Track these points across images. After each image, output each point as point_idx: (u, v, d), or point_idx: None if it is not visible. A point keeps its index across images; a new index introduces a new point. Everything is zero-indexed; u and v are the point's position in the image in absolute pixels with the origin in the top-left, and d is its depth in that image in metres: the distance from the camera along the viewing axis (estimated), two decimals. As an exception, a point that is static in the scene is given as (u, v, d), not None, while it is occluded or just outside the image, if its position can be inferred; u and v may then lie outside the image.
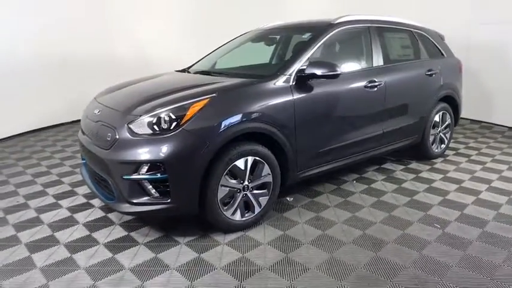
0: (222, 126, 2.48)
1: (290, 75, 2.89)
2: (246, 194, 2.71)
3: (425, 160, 4.28)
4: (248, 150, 2.63)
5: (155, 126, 2.41)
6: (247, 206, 2.76)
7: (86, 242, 2.63)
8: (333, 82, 3.11)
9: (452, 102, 4.37)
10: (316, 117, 3.02)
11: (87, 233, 2.76)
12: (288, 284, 2.15)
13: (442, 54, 4.32)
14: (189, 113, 2.42)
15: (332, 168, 3.29)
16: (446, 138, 4.42)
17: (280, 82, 2.85)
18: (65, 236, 2.73)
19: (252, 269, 2.30)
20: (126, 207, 2.46)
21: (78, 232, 2.77)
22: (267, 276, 2.23)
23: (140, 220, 2.92)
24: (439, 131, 4.29)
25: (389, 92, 3.54)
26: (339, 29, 3.33)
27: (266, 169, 2.77)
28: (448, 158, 4.41)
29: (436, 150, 4.32)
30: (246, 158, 2.63)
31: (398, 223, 2.85)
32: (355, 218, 2.93)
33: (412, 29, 4.04)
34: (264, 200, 2.82)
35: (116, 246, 2.58)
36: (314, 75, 2.87)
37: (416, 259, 2.38)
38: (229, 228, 2.69)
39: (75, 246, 2.58)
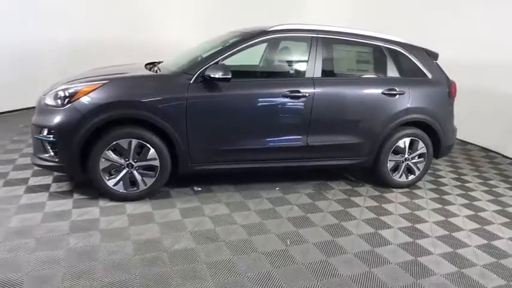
0: (102, 108, 2.95)
1: (192, 74, 3.16)
2: (130, 171, 3.14)
3: (384, 187, 3.94)
4: (131, 132, 3.05)
5: (58, 100, 3.04)
6: (134, 182, 3.20)
7: (18, 183, 3.45)
8: (244, 85, 3.29)
9: (431, 130, 3.89)
10: (216, 117, 3.23)
11: (27, 176, 3.59)
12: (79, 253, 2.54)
13: (424, 74, 3.86)
14: (79, 94, 2.97)
15: (238, 168, 3.44)
16: (418, 169, 3.95)
17: (179, 79, 3.16)
18: (5, 170, 3.62)
19: (88, 226, 2.76)
20: (35, 160, 3.17)
21: (24, 174, 3.63)
22: (90, 235, 2.65)
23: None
24: (405, 159, 3.87)
25: (319, 105, 3.45)
26: (271, 36, 3.41)
27: (152, 153, 3.14)
28: (414, 190, 3.96)
29: (400, 179, 3.92)
30: (130, 139, 3.06)
31: (255, 230, 2.89)
32: (225, 217, 3.06)
33: (381, 44, 3.74)
34: (149, 180, 3.20)
35: (31, 188, 3.32)
36: (209, 77, 3.09)
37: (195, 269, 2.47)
38: (110, 196, 3.16)
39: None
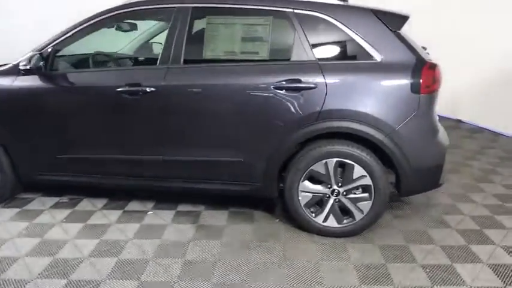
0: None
1: (17, 65, 2.64)
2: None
3: (303, 230, 2.56)
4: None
5: None
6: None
7: None
8: (70, 78, 2.63)
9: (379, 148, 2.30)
10: (40, 116, 2.67)
11: None
12: None
13: (368, 54, 2.27)
14: None
15: (87, 182, 2.77)
16: (359, 211, 2.40)
17: (11, 71, 2.68)
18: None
19: None
20: None
21: None
22: None
23: None
24: (333, 192, 2.40)
25: (171, 104, 2.45)
26: (116, 12, 2.56)
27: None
28: (349, 243, 2.42)
29: (325, 224, 2.46)
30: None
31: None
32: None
33: (288, 9, 2.35)
34: None
35: None
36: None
37: None
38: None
39: None
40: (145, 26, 3.45)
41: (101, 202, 3.02)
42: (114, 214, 2.84)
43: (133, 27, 3.19)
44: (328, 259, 2.29)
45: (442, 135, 2.47)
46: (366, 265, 2.23)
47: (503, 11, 4.53)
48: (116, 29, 3.06)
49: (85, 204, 2.99)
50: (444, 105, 5.30)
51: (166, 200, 2.99)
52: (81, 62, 2.91)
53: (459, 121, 5.34)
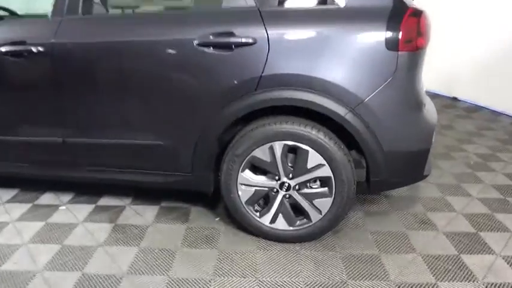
0: None
1: None
2: None
3: (247, 233, 2.00)
4: None
5: None
6: None
7: None
8: None
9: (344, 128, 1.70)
10: None
11: None
12: None
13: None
14: None
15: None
16: (317, 210, 1.82)
17: None
18: None
19: None
20: None
21: None
22: None
23: None
24: (282, 185, 1.82)
25: (68, 70, 1.82)
26: None
27: None
28: (305, 252, 1.85)
29: (272, 225, 1.89)
30: None
31: None
32: None
33: None
34: None
35: None
36: None
37: None
38: None
39: None
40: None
41: (9, 194, 2.45)
42: (19, 209, 2.28)
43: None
44: (272, 274, 1.73)
45: (429, 110, 1.88)
46: (321, 284, 1.67)
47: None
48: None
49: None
50: (439, 81, 4.76)
51: (88, 192, 2.42)
52: None
53: (455, 99, 4.72)
